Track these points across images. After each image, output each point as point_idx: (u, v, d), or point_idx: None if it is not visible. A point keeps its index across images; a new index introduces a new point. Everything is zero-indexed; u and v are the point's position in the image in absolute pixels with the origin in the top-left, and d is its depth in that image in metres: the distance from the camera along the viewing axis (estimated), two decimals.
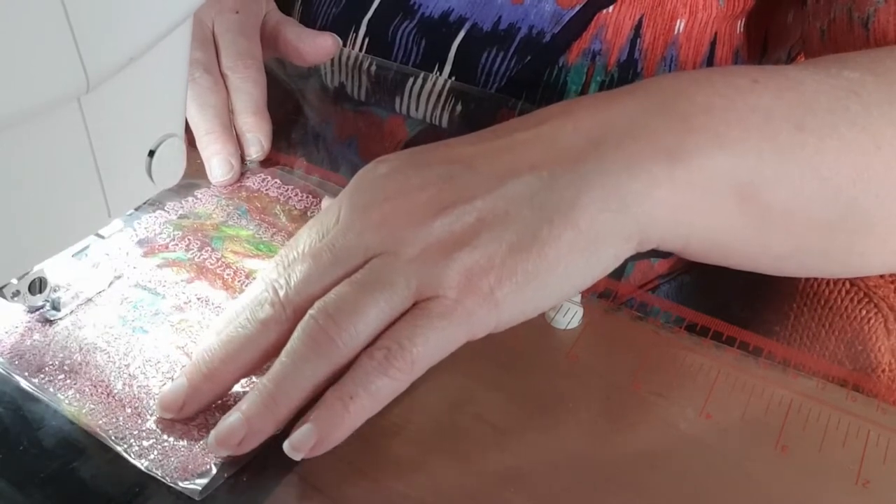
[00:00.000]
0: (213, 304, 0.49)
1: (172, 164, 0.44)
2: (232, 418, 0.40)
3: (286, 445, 0.39)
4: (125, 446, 0.40)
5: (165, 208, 0.56)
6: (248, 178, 0.60)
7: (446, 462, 0.42)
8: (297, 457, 0.39)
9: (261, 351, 0.42)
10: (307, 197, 0.58)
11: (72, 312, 0.48)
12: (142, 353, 0.45)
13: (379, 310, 0.40)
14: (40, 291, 0.47)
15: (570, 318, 0.50)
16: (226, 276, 0.51)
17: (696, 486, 0.42)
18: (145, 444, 0.41)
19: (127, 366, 0.45)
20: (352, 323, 0.40)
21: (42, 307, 0.47)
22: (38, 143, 0.36)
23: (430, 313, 0.40)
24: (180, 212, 0.56)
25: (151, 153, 0.42)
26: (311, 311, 0.41)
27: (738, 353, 0.49)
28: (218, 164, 0.59)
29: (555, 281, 0.41)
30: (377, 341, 0.40)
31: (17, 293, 0.45)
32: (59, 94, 0.34)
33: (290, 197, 0.58)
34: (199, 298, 0.49)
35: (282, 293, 0.42)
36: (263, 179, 0.60)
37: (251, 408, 0.40)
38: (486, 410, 0.45)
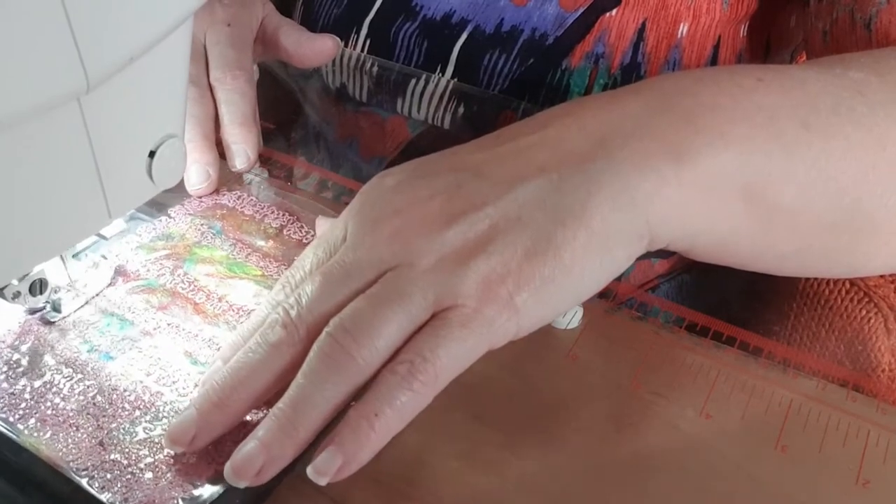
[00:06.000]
0: (183, 329, 0.48)
1: (172, 165, 0.44)
2: (249, 446, 0.38)
3: (310, 471, 0.38)
4: (87, 479, 0.39)
5: (137, 231, 0.55)
6: (223, 195, 0.59)
7: (446, 462, 0.42)
8: (322, 482, 0.37)
9: (274, 375, 0.40)
10: (283, 215, 0.57)
11: (64, 318, 0.48)
12: (108, 381, 0.44)
13: (398, 324, 0.39)
14: (41, 293, 0.47)
15: (570, 318, 0.50)
16: (198, 301, 0.50)
17: (695, 486, 0.41)
18: (108, 476, 0.39)
19: (93, 396, 0.43)
20: (371, 338, 0.39)
21: (43, 309, 0.47)
22: (38, 143, 0.36)
23: (451, 323, 0.39)
24: (153, 234, 0.55)
25: (152, 154, 0.42)
26: (327, 329, 0.39)
27: (738, 353, 0.49)
28: (196, 172, 0.58)
29: (571, 284, 0.40)
30: (398, 355, 0.39)
31: (17, 294, 0.45)
32: (59, 94, 0.34)
33: (265, 215, 0.57)
34: (169, 324, 0.48)
35: (293, 313, 0.41)
36: (239, 197, 0.59)
37: (268, 434, 0.38)
38: (485, 410, 0.45)
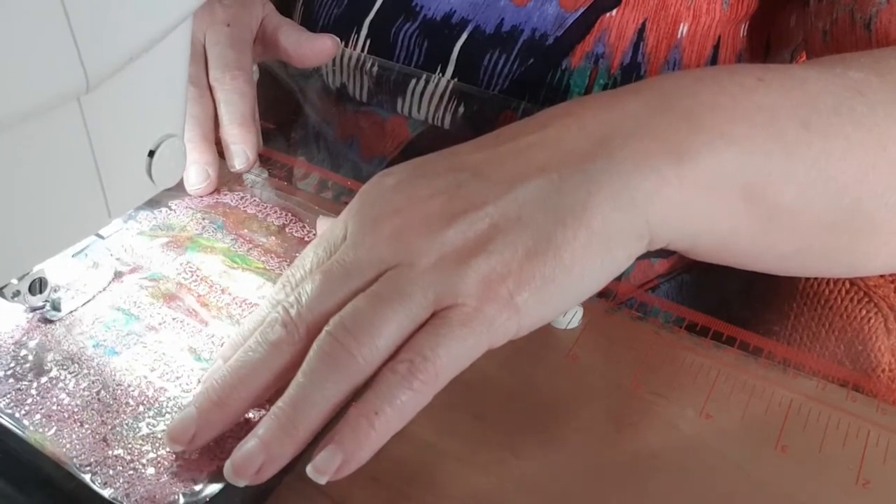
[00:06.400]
0: (188, 324, 0.48)
1: (172, 165, 0.44)
2: (249, 445, 0.38)
3: (309, 469, 0.38)
4: (90, 475, 0.39)
5: (137, 219, 0.55)
6: (225, 194, 0.59)
7: (446, 462, 0.42)
8: (321, 480, 0.37)
9: (273, 374, 0.40)
10: (286, 215, 0.57)
11: (70, 313, 0.48)
12: (113, 377, 0.44)
13: (398, 323, 0.39)
14: (40, 292, 0.47)
15: (570, 318, 0.50)
16: (201, 292, 0.50)
17: (695, 486, 0.41)
18: (111, 472, 0.39)
19: (97, 392, 0.43)
20: (371, 337, 0.39)
21: (42, 307, 0.47)
22: (38, 143, 0.36)
23: (451, 322, 0.39)
24: (153, 223, 0.55)
25: (151, 153, 0.42)
26: (327, 328, 0.39)
27: (738, 353, 0.49)
28: (195, 172, 0.58)
29: (571, 283, 0.40)
30: (398, 354, 0.39)
31: (17, 293, 0.45)
32: (59, 94, 0.34)
33: (268, 214, 0.57)
34: (174, 319, 0.48)
35: (293, 312, 0.41)
36: (242, 197, 0.59)
37: (268, 433, 0.38)
38: (485, 411, 0.45)
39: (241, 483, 0.38)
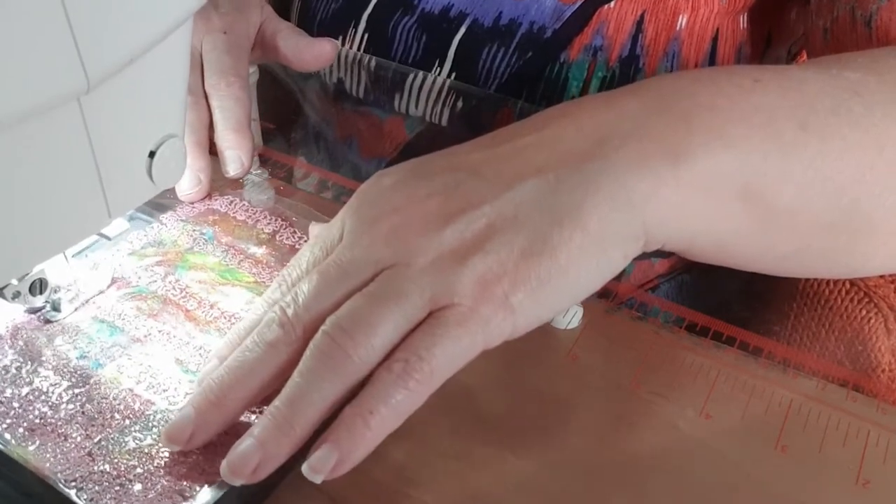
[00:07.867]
0: (174, 336, 0.47)
1: (172, 165, 0.44)
2: (245, 444, 0.38)
3: (305, 468, 0.38)
4: (75, 490, 0.39)
5: (129, 238, 0.54)
6: (215, 199, 0.59)
7: (446, 462, 0.42)
8: (317, 479, 0.38)
9: (270, 374, 0.40)
10: (276, 220, 0.57)
11: (61, 320, 0.47)
12: (97, 389, 0.44)
13: (394, 322, 0.39)
14: (41, 292, 0.46)
15: (570, 318, 0.50)
16: (189, 307, 0.49)
17: (695, 486, 0.42)
18: (97, 488, 0.39)
19: (82, 405, 0.43)
20: (368, 336, 0.39)
21: (42, 308, 0.47)
22: (38, 143, 0.36)
23: (447, 322, 0.39)
24: (144, 240, 0.55)
25: (152, 154, 0.42)
26: (323, 327, 0.39)
27: (738, 353, 0.49)
28: (187, 178, 0.58)
29: (567, 284, 0.40)
30: (394, 353, 0.39)
31: (17, 294, 0.45)
32: (59, 94, 0.34)
33: (258, 220, 0.57)
34: (160, 331, 0.47)
35: (290, 312, 0.41)
36: (231, 202, 0.59)
37: (265, 432, 0.38)
38: (485, 411, 0.45)
39: (238, 482, 0.38)
